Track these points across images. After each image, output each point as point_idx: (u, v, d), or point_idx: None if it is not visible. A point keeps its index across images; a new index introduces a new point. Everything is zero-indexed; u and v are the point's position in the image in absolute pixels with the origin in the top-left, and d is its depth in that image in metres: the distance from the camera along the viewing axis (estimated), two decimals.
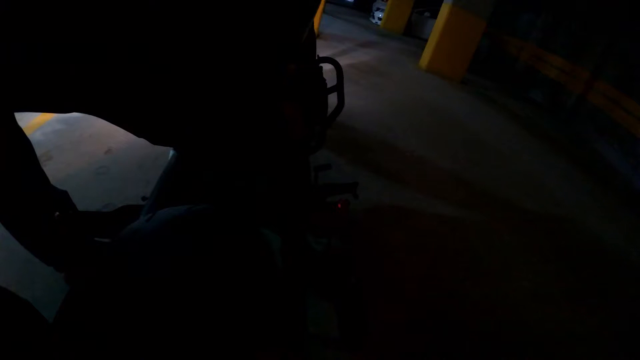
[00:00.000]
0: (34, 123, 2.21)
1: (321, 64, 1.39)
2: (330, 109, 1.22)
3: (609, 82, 5.67)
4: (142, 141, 0.85)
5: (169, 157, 1.05)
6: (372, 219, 2.16)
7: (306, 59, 1.22)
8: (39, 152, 1.96)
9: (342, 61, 4.44)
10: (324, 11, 7.01)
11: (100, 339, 0.49)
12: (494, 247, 2.29)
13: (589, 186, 3.90)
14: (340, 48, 6.45)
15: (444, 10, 6.41)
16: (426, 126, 4.03)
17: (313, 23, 0.99)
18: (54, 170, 1.86)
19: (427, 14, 11.30)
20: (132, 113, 0.72)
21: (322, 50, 5.46)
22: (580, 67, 6.44)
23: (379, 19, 11.37)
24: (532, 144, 4.72)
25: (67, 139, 2.14)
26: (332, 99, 1.21)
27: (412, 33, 11.33)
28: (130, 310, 0.51)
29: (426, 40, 7.25)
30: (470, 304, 1.79)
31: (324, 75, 1.38)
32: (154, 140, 0.81)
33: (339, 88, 1.19)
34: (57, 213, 0.71)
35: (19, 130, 0.66)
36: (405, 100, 4.70)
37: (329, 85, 1.31)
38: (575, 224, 2.96)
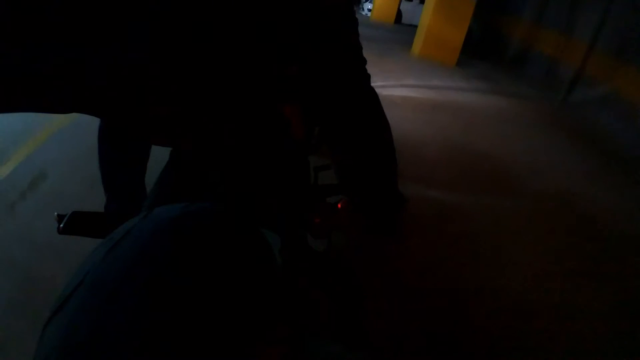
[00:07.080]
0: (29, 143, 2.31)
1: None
2: None
3: (606, 52, 5.62)
4: None
5: (168, 158, 1.07)
6: None
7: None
8: (34, 172, 2.06)
9: None
10: None
11: None
12: (495, 228, 2.27)
13: (591, 160, 3.79)
14: None
15: None
16: (419, 111, 4.03)
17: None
18: (52, 184, 1.94)
19: (415, 0, 11.25)
20: (131, 113, 0.73)
21: None
22: (575, 39, 6.38)
23: (369, 10, 11.32)
24: (530, 120, 4.66)
25: (63, 154, 2.27)
26: None
27: (402, 21, 11.28)
28: None
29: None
30: (474, 287, 1.78)
31: None
32: (152, 140, 0.83)
33: None
34: (56, 213, 0.73)
35: None
36: (397, 88, 4.70)
37: None
38: (579, 201, 2.88)
